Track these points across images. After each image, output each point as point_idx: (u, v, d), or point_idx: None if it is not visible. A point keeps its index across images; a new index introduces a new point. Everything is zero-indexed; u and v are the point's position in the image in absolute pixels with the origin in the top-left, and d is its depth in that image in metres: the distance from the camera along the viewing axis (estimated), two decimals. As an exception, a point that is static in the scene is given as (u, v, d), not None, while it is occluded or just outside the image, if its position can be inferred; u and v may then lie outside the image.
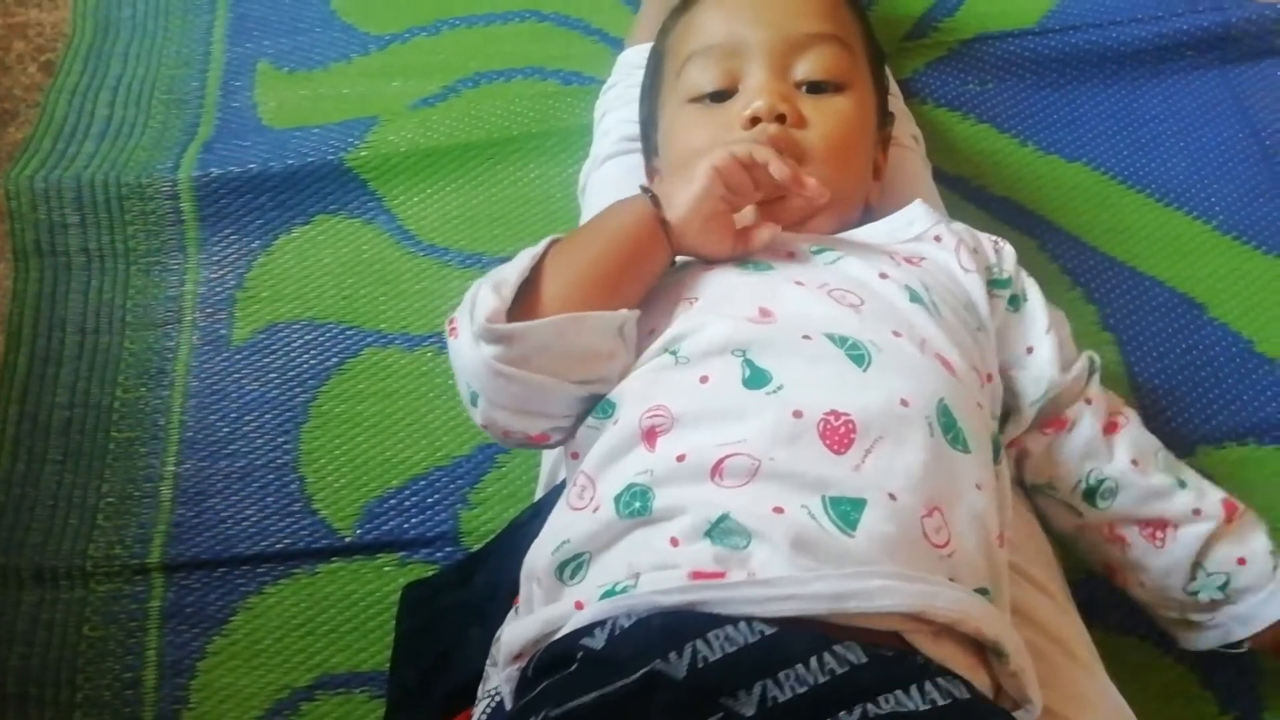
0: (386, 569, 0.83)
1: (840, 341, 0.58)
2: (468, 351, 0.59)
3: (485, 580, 0.72)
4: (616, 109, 0.91)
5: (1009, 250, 0.72)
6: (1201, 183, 0.98)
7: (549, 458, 0.79)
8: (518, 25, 1.10)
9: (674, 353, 0.60)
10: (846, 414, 0.54)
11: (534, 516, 0.71)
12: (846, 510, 0.52)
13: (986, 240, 0.72)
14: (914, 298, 0.63)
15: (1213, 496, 0.68)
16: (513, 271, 0.60)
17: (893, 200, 0.79)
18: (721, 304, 0.62)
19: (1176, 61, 1.03)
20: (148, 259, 0.98)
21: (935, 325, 0.62)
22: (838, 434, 0.54)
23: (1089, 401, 0.69)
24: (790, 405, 0.55)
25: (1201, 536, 0.67)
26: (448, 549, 0.84)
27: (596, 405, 0.61)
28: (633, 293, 0.63)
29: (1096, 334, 0.91)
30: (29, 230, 0.97)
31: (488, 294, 0.59)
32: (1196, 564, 0.67)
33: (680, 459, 0.54)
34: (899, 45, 1.05)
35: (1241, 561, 0.67)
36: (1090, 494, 0.68)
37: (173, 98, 1.07)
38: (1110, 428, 0.69)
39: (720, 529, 0.51)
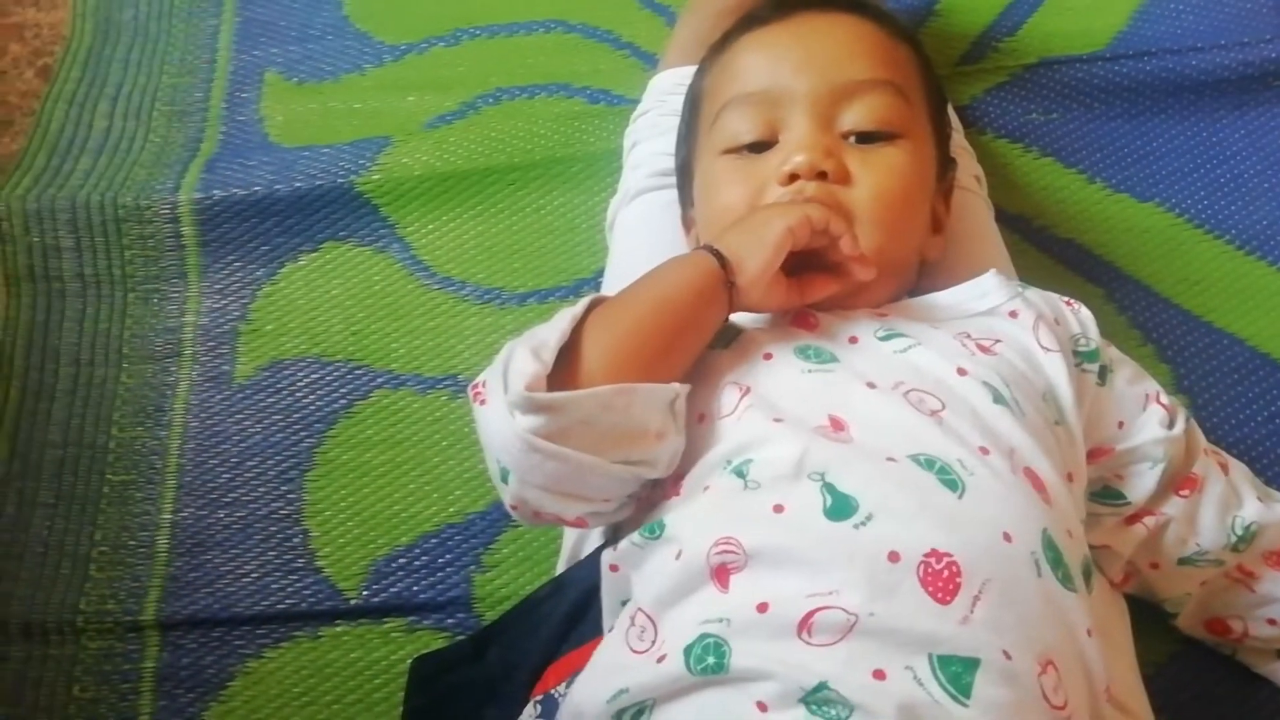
0: (394, 635, 0.79)
1: (928, 464, 0.53)
2: (500, 423, 0.54)
3: (500, 657, 0.67)
4: (648, 139, 0.85)
5: (1087, 314, 0.67)
6: (1288, 230, 0.91)
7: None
8: (542, 36, 1.04)
9: (740, 474, 0.54)
10: (948, 554, 0.49)
11: (554, 592, 0.66)
12: (958, 673, 0.47)
13: (1065, 307, 0.66)
14: (997, 398, 0.57)
15: None
16: (552, 334, 0.55)
17: (953, 251, 0.73)
18: (782, 405, 0.56)
19: (1263, 93, 0.96)
20: (146, 286, 0.93)
21: (1022, 431, 0.56)
22: (941, 579, 0.49)
23: (1206, 453, 0.66)
24: (884, 545, 0.50)
25: None
26: (459, 614, 0.79)
27: (643, 524, 0.56)
28: (682, 361, 0.58)
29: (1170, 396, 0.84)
30: (21, 254, 0.93)
31: (525, 358, 0.53)
32: None
33: (762, 609, 0.49)
34: (954, 70, 0.98)
35: None
36: (1239, 544, 0.65)
37: (175, 109, 1.03)
38: (1224, 468, 0.66)
39: (817, 698, 0.46)
